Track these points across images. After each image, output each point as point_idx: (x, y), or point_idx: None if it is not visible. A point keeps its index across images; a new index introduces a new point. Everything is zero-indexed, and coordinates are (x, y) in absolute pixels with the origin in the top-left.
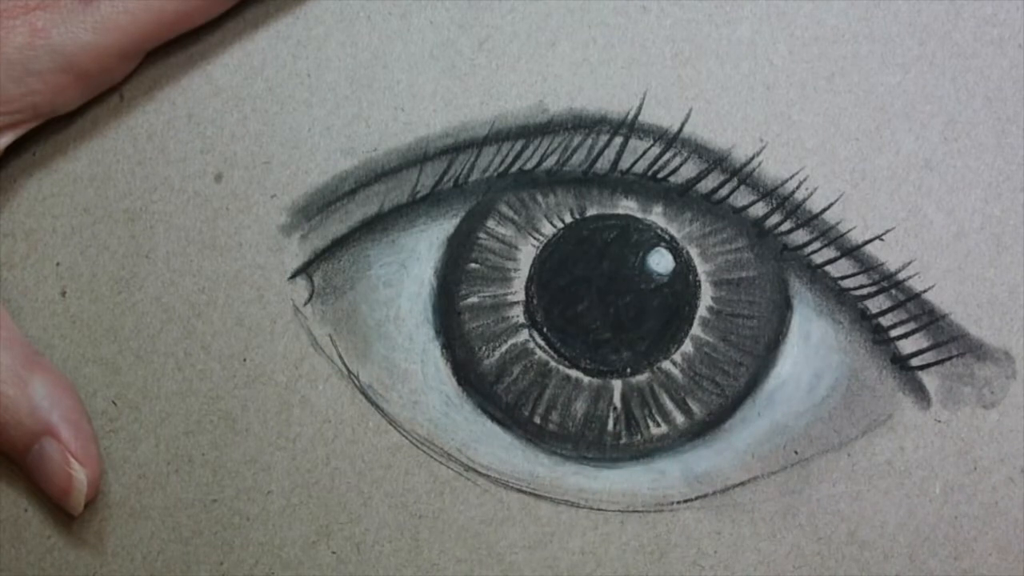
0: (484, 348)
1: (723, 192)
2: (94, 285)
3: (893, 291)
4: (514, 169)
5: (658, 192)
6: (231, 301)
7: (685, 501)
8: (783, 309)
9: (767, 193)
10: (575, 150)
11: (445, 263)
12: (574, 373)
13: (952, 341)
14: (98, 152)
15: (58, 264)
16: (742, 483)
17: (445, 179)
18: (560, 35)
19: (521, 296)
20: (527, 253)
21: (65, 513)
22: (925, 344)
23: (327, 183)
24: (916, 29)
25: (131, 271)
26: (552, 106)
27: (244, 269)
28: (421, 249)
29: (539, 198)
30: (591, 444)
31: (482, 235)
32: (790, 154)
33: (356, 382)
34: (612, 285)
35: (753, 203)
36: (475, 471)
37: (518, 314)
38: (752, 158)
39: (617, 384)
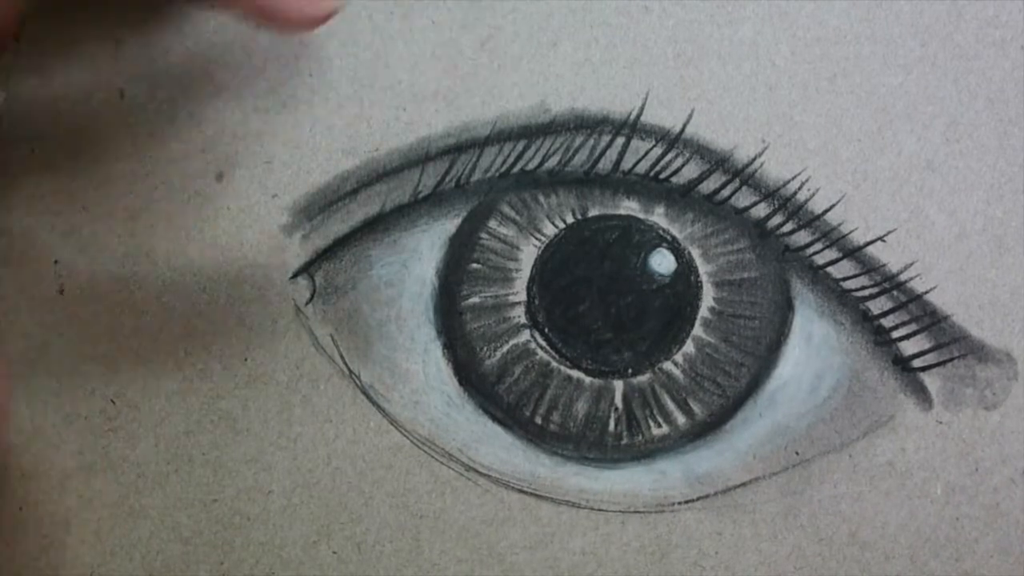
0: (485, 348)
1: (725, 193)
2: (93, 284)
3: (895, 292)
4: (516, 169)
5: (660, 193)
6: (232, 301)
7: (686, 502)
8: (785, 310)
9: (769, 194)
10: (577, 150)
11: (447, 263)
12: (575, 373)
13: (954, 342)
14: (98, 150)
15: (56, 262)
16: (743, 484)
17: (447, 179)
18: (562, 35)
19: (523, 296)
20: (529, 253)
21: (61, 512)
22: (927, 345)
23: (329, 183)
24: (918, 30)
25: (131, 270)
26: (554, 106)
27: (245, 268)
28: (423, 249)
29: (541, 198)
30: (592, 445)
31: (484, 235)
32: (792, 155)
33: (357, 382)
34: (614, 286)
35: (755, 204)
36: (476, 471)
37: (520, 314)
38: (754, 159)
39: (618, 385)
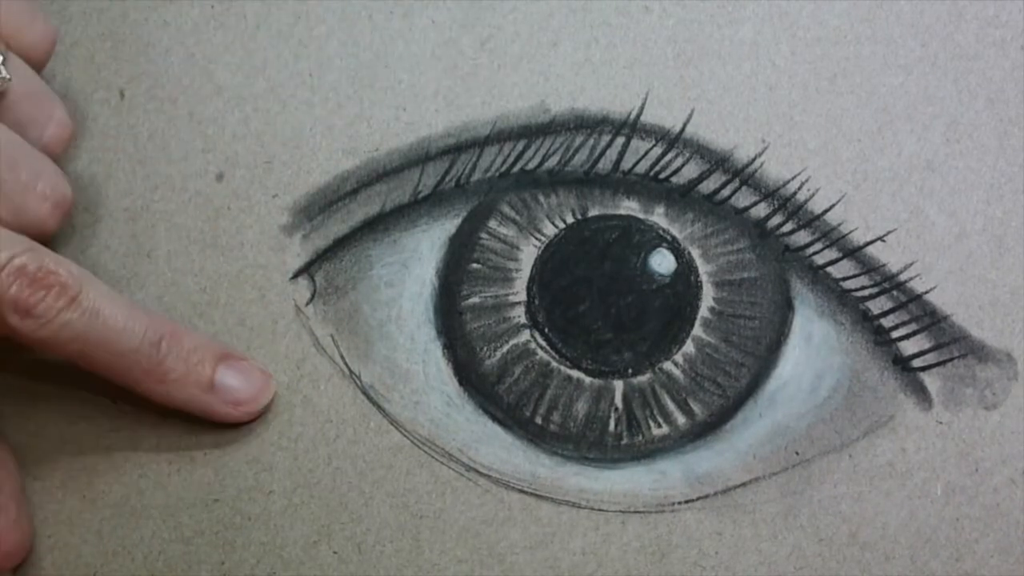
0: (486, 348)
1: (725, 193)
2: None
3: (895, 292)
4: (516, 169)
5: (660, 193)
6: (233, 301)
7: (686, 502)
8: (785, 310)
9: (769, 194)
10: (577, 150)
11: (447, 263)
12: (575, 374)
13: (954, 342)
14: (99, 151)
15: None
16: (743, 484)
17: (447, 179)
18: (562, 35)
19: (523, 296)
20: (529, 253)
21: (64, 511)
22: (927, 345)
23: (329, 183)
24: (918, 31)
25: (132, 270)
26: (554, 106)
27: (246, 269)
28: (423, 249)
29: (541, 198)
30: (592, 445)
31: (484, 235)
32: (792, 155)
33: (358, 382)
34: (614, 286)
35: (755, 204)
36: (476, 471)
37: (520, 314)
38: (754, 159)
39: (618, 385)
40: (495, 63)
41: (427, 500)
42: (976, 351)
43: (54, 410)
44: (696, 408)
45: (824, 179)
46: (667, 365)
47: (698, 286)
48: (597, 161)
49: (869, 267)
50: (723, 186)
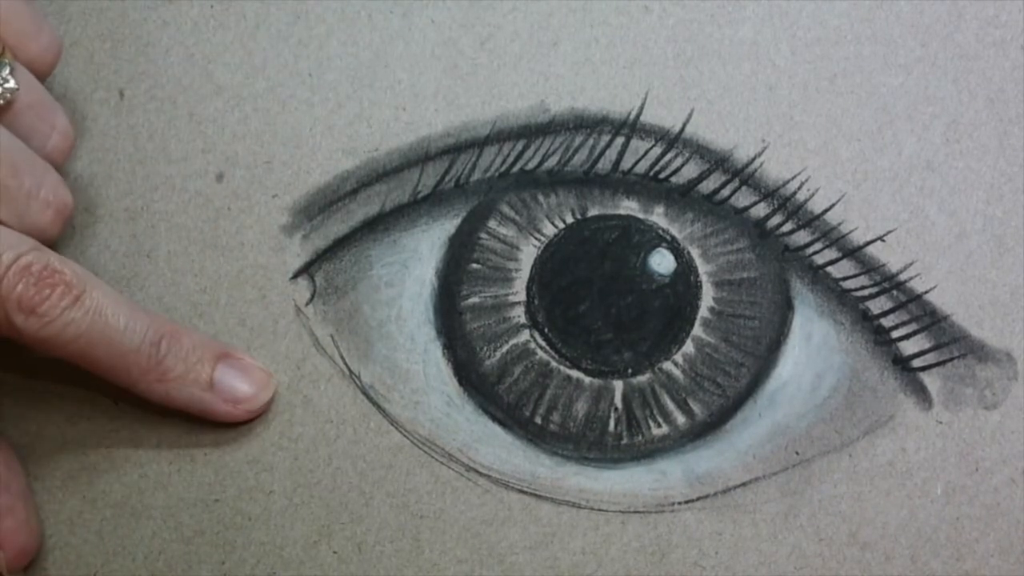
0: (485, 348)
1: (725, 193)
2: None
3: (895, 292)
4: (515, 169)
5: (660, 192)
6: (233, 301)
7: (686, 502)
8: (784, 310)
9: (769, 194)
10: (577, 150)
11: (447, 263)
12: (575, 374)
13: (954, 342)
14: (98, 151)
15: None
16: (743, 484)
17: (447, 179)
18: (562, 35)
19: (522, 296)
20: (528, 253)
21: (65, 511)
22: (927, 345)
23: (329, 183)
24: (918, 30)
25: (132, 270)
26: (554, 106)
27: (246, 269)
28: (423, 249)
29: (540, 198)
30: (592, 445)
31: (483, 235)
32: (792, 155)
33: (358, 382)
34: (613, 286)
35: (755, 204)
36: (476, 471)
37: (519, 314)
38: (754, 159)
39: (618, 385)
40: (495, 63)
41: (427, 500)
42: (976, 351)
43: (55, 410)
44: (696, 408)
45: (824, 179)
46: (667, 365)
47: (698, 286)
48: (597, 161)
49: (869, 267)
50: (723, 186)
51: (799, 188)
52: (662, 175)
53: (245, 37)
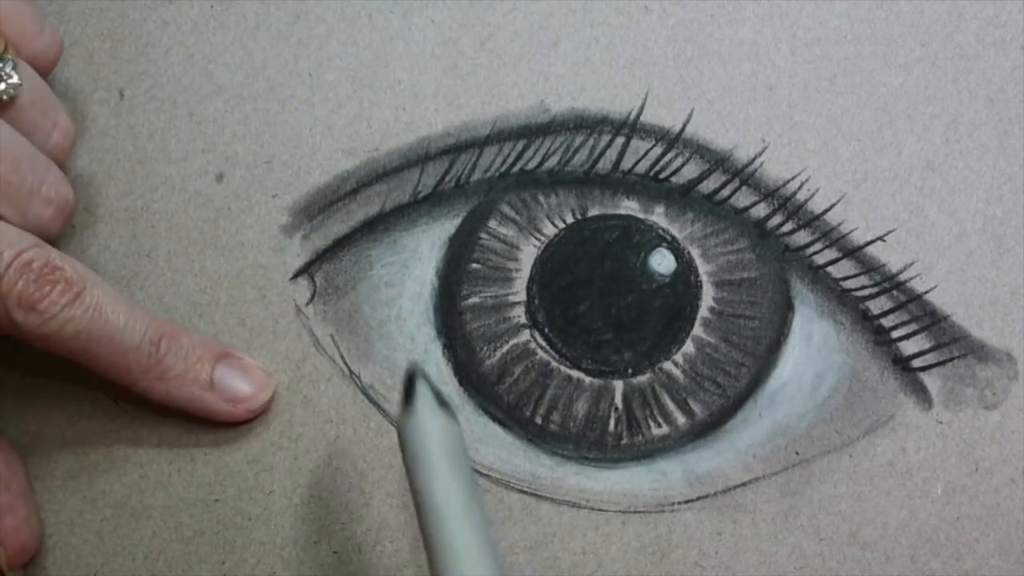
0: (485, 348)
1: (725, 193)
2: None
3: (895, 292)
4: (516, 169)
5: (660, 192)
6: (233, 301)
7: (686, 502)
8: (785, 310)
9: (769, 194)
10: (577, 150)
11: (447, 263)
12: (575, 373)
13: (954, 342)
14: (98, 151)
15: None
16: (743, 484)
17: (447, 179)
18: (562, 35)
19: (522, 296)
20: (528, 253)
21: (64, 511)
22: (927, 345)
23: (329, 183)
24: (918, 30)
25: (132, 270)
26: (554, 106)
27: (246, 269)
28: (423, 249)
29: (541, 198)
30: (592, 445)
31: (484, 235)
32: (792, 155)
33: (358, 382)
34: (613, 285)
35: (755, 204)
36: (476, 471)
37: (519, 314)
38: (754, 159)
39: (618, 384)
40: (495, 63)
41: None
42: (976, 351)
43: (55, 410)
44: (696, 408)
45: (824, 179)
46: (667, 365)
47: (698, 286)
48: (597, 161)
49: (869, 267)
50: (723, 186)
51: (799, 188)
52: (662, 175)
53: (245, 37)
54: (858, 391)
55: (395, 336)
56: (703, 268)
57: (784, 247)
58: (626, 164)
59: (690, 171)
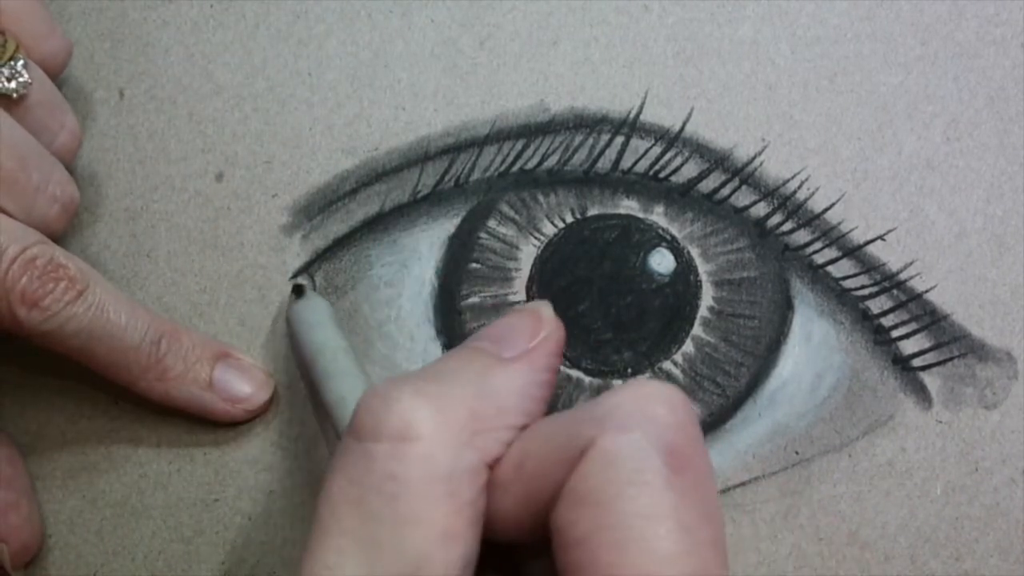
0: None
1: (725, 192)
2: None
3: (895, 291)
4: (515, 168)
5: (659, 192)
6: (233, 301)
7: None
8: (784, 309)
9: (769, 193)
10: (576, 149)
11: (446, 263)
12: (575, 373)
13: (954, 342)
14: (98, 151)
15: None
16: (743, 483)
17: (446, 178)
18: (561, 34)
19: (522, 296)
20: (528, 253)
21: (65, 511)
22: (927, 345)
23: (328, 182)
24: (918, 29)
25: (132, 270)
26: (553, 105)
27: (246, 269)
28: (422, 249)
29: (540, 198)
30: None
31: (483, 235)
32: (792, 154)
33: None
34: (613, 285)
35: (755, 203)
36: None
37: None
38: (754, 158)
39: (618, 384)
40: (494, 62)
41: None
42: (976, 350)
43: (55, 409)
44: (696, 408)
45: (824, 178)
46: (666, 365)
47: (698, 285)
48: (596, 160)
49: (869, 266)
50: (723, 185)
51: (799, 187)
52: (662, 174)
53: (245, 37)
54: (858, 391)
55: (395, 336)
56: (703, 267)
57: (784, 246)
58: (626, 163)
59: (690, 170)
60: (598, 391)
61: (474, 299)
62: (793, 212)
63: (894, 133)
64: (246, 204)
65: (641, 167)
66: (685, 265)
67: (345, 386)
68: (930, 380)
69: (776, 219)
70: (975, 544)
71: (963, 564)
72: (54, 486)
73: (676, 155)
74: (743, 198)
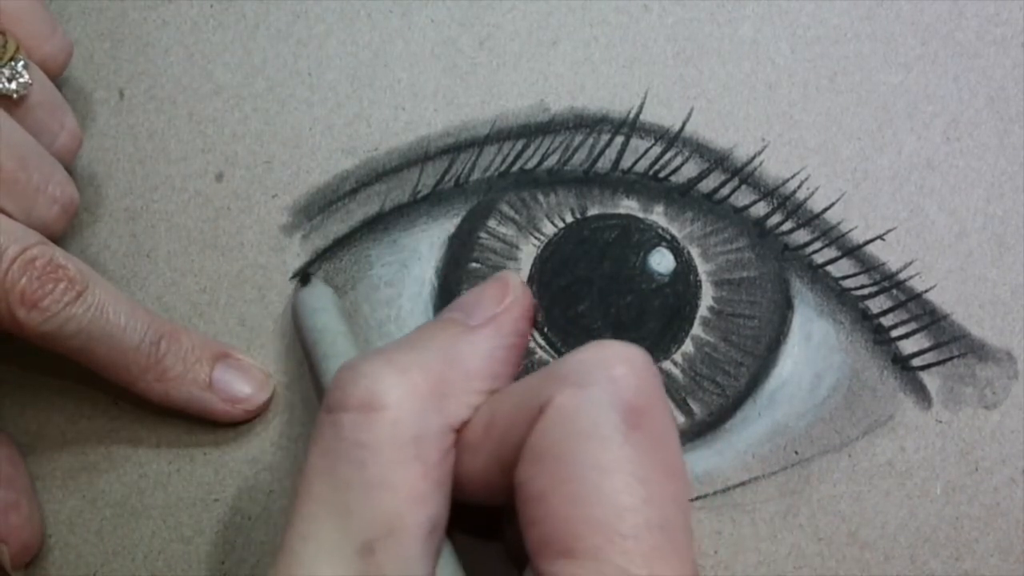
0: None
1: (724, 192)
2: None
3: (894, 291)
4: (515, 168)
5: (659, 192)
6: (233, 301)
7: None
8: (784, 309)
9: (768, 193)
10: (576, 149)
11: (446, 263)
12: None
13: (953, 341)
14: (98, 151)
15: None
16: (742, 483)
17: (446, 178)
18: (561, 34)
19: None
20: (528, 253)
21: (64, 511)
22: (926, 344)
23: (328, 182)
24: (918, 29)
25: (132, 270)
26: (553, 105)
27: (246, 269)
28: (422, 249)
29: (540, 197)
30: None
31: (483, 235)
32: (792, 154)
33: None
34: (613, 285)
35: (754, 203)
36: None
37: None
38: (753, 158)
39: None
40: (494, 62)
41: None
42: (976, 350)
43: (55, 409)
44: (695, 407)
45: (823, 178)
46: (666, 364)
47: (697, 285)
48: (596, 160)
49: (869, 266)
50: (722, 185)
51: (799, 187)
52: (662, 174)
53: (245, 37)
54: (857, 390)
55: (395, 336)
56: (702, 267)
57: (783, 246)
58: (625, 163)
59: (690, 170)
60: None
61: None
62: (793, 212)
63: (894, 133)
64: (246, 204)
65: (641, 167)
66: (685, 265)
67: None
68: (930, 380)
69: (776, 219)
70: (975, 544)
71: (963, 564)
72: (54, 486)
73: (676, 155)
74: (743, 198)
